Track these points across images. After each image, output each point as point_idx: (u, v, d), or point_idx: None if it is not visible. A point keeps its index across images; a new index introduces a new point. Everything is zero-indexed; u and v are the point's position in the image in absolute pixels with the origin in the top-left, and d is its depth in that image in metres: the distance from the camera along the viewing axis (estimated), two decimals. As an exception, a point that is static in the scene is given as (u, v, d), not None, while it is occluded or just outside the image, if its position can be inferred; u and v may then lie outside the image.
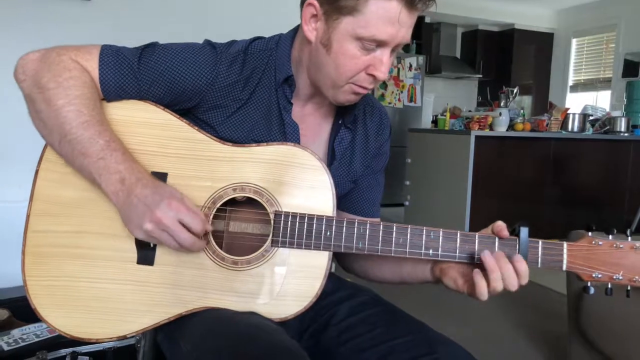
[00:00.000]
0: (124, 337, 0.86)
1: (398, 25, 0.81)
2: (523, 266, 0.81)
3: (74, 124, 0.81)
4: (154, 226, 0.78)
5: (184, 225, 0.79)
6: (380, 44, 0.83)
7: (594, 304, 1.69)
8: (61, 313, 0.85)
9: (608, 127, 4.44)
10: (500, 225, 0.85)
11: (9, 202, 1.83)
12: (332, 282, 1.03)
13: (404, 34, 0.83)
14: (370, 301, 0.97)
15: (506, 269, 0.81)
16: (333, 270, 1.09)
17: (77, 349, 1.50)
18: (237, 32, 1.14)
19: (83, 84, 0.84)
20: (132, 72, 0.87)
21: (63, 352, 1.50)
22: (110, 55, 0.87)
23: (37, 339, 1.56)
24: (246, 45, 0.93)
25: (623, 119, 4.44)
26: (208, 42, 0.92)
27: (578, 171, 4.29)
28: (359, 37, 0.82)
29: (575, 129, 4.30)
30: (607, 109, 5.12)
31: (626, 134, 4.42)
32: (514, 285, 0.81)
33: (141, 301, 0.85)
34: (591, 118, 4.53)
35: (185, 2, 2.46)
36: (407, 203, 4.47)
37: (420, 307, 2.64)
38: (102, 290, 0.86)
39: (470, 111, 4.68)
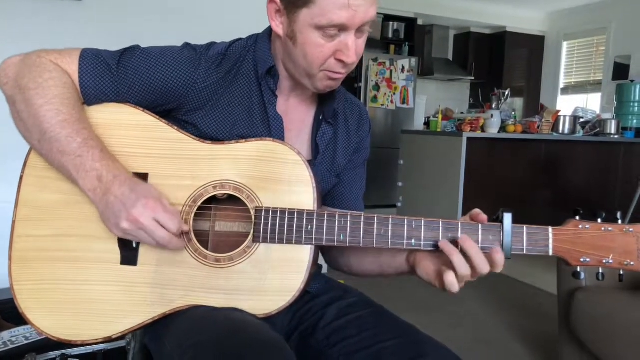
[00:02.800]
0: (110, 339, 0.86)
1: (352, 9, 0.81)
2: (471, 248, 0.80)
3: (52, 122, 0.82)
4: (130, 225, 0.78)
5: (161, 225, 0.79)
6: (341, 28, 0.83)
7: (584, 305, 1.70)
8: (47, 316, 0.86)
9: (598, 129, 4.48)
10: (477, 211, 0.85)
11: (-2, 203, 1.81)
12: (321, 283, 1.03)
13: (363, 14, 0.83)
14: (359, 303, 0.98)
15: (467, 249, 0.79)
16: (325, 271, 1.09)
17: (67, 351, 1.49)
18: (228, 31, 1.14)
19: (63, 84, 0.85)
20: (111, 76, 0.88)
21: (52, 354, 1.49)
22: (90, 59, 0.88)
23: (26, 342, 1.55)
24: (226, 47, 0.94)
25: (613, 122, 4.48)
26: (187, 45, 0.93)
27: (569, 173, 4.32)
28: (319, 26, 0.82)
29: (566, 131, 4.33)
30: (598, 112, 5.16)
31: (616, 136, 4.46)
32: (483, 265, 0.79)
33: (125, 302, 0.86)
34: (582, 120, 4.56)
35: (175, 2, 2.45)
36: (399, 204, 4.48)
37: (412, 308, 2.65)
38: (86, 292, 0.86)
39: (462, 113, 4.70)
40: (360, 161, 1.07)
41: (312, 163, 0.97)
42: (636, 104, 4.84)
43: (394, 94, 5.80)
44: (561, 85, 6.90)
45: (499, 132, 4.06)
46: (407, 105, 5.88)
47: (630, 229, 0.81)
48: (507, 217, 0.82)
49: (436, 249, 0.84)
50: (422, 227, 0.84)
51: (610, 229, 0.81)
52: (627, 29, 5.98)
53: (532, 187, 4.20)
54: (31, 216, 0.87)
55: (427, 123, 4.60)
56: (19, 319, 0.87)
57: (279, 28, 0.88)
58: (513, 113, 4.37)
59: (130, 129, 0.89)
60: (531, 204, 4.13)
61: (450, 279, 0.81)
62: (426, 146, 4.22)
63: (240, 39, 0.97)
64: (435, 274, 0.85)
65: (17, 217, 0.88)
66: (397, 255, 0.93)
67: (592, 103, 6.39)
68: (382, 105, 5.76)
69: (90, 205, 0.84)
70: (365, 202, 1.10)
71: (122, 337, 0.87)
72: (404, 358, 0.83)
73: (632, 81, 5.19)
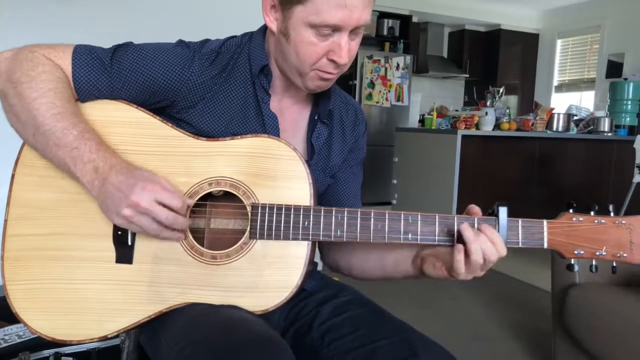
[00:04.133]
0: (105, 338, 0.86)
1: (347, 9, 0.80)
2: (494, 234, 0.81)
3: (47, 116, 0.81)
4: (132, 211, 0.77)
5: (163, 205, 0.78)
6: (335, 28, 0.83)
7: (577, 301, 1.71)
8: (42, 316, 0.85)
9: (592, 127, 4.51)
10: (473, 207, 0.85)
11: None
12: (317, 280, 1.03)
13: (359, 15, 0.82)
14: (355, 301, 0.97)
15: (484, 240, 0.80)
16: (320, 269, 1.09)
17: (61, 349, 1.48)
18: (223, 29, 1.13)
19: (56, 78, 0.84)
20: (104, 72, 0.87)
21: (46, 352, 1.48)
22: (83, 55, 0.87)
23: (19, 340, 1.54)
24: (220, 44, 0.94)
25: (606, 119, 4.51)
26: (181, 42, 0.93)
27: (563, 170, 4.35)
28: (313, 25, 0.82)
29: (560, 129, 4.36)
30: (591, 109, 5.19)
31: (609, 134, 4.49)
32: (493, 255, 0.80)
33: (121, 300, 0.85)
34: (575, 118, 4.59)
35: (167, 1, 2.44)
36: (394, 202, 4.49)
37: (406, 305, 2.66)
38: (82, 291, 0.85)
39: (456, 110, 4.71)
40: (356, 160, 1.07)
41: (308, 164, 0.96)
42: (629, 102, 4.87)
43: (389, 91, 5.81)
44: (555, 83, 6.93)
45: (493, 129, 4.08)
46: (402, 102, 5.88)
47: (623, 222, 0.82)
48: (503, 211, 0.83)
49: (434, 243, 0.84)
50: (419, 221, 0.84)
51: (603, 221, 0.83)
52: (621, 27, 6.00)
53: (526, 185, 4.22)
54: (24, 215, 0.86)
55: (421, 120, 4.61)
56: (12, 317, 0.86)
57: (272, 24, 0.88)
58: (507, 111, 4.39)
59: (124, 126, 0.88)
60: (525, 201, 4.15)
61: (459, 263, 0.80)
62: (421, 144, 4.23)
63: (235, 36, 0.97)
64: (442, 264, 0.85)
65: (9, 216, 0.86)
66: (401, 258, 0.93)
67: (585, 101, 6.42)
68: (377, 102, 5.76)
69: (84, 203, 0.84)
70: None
71: (117, 336, 0.87)
72: (398, 357, 0.83)
73: (625, 79, 5.22)
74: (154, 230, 0.80)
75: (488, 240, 0.81)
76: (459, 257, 0.81)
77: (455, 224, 0.84)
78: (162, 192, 0.78)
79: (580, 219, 0.83)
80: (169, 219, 0.79)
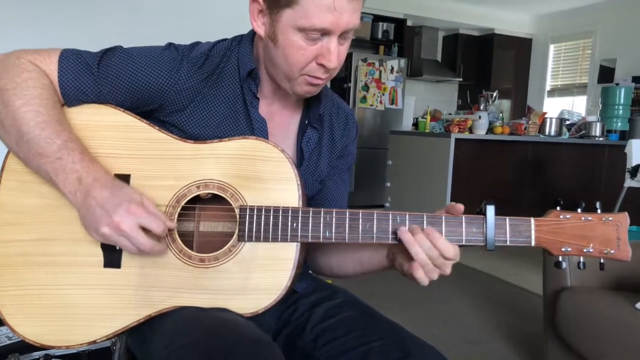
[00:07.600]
0: (94, 342, 0.85)
1: (337, 12, 0.80)
2: (435, 236, 0.80)
3: (31, 124, 0.80)
4: (111, 231, 0.77)
5: (144, 229, 0.78)
6: (324, 32, 0.82)
7: (569, 305, 1.72)
8: (30, 322, 0.84)
9: (584, 131, 4.55)
10: (451, 204, 0.84)
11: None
12: (309, 283, 1.03)
13: (348, 19, 0.82)
14: (347, 303, 0.97)
15: (423, 242, 0.80)
16: (311, 271, 1.09)
17: (51, 351, 1.47)
18: (214, 31, 1.13)
19: (42, 85, 0.83)
20: (91, 76, 0.86)
21: (36, 354, 1.46)
22: (69, 59, 0.86)
23: (9, 342, 1.52)
24: (209, 48, 0.93)
25: (598, 124, 4.55)
26: (170, 45, 0.92)
27: (555, 174, 4.38)
28: (301, 28, 0.81)
29: (552, 133, 4.39)
30: (583, 114, 5.24)
31: (601, 139, 4.52)
32: (435, 258, 0.80)
33: (110, 305, 0.84)
34: (567, 122, 4.63)
35: (161, 2, 2.43)
36: (387, 204, 4.50)
37: (399, 307, 2.66)
38: (70, 296, 0.84)
39: (450, 114, 4.74)
40: (345, 167, 1.06)
41: (298, 169, 0.96)
42: (621, 107, 4.91)
43: (383, 94, 5.82)
44: (548, 88, 6.97)
45: (486, 133, 4.10)
46: (396, 105, 5.90)
47: (610, 218, 0.82)
48: (490, 209, 0.83)
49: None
50: (407, 221, 0.84)
51: (589, 218, 0.82)
52: (613, 33, 6.06)
53: (518, 188, 4.25)
54: (11, 221, 0.85)
55: (415, 124, 4.62)
56: (1, 320, 0.85)
57: (260, 29, 0.87)
58: (500, 115, 4.42)
59: (111, 130, 0.88)
60: (518, 205, 4.17)
61: (419, 275, 0.82)
62: (414, 147, 4.25)
63: (225, 39, 0.96)
64: (409, 266, 0.85)
65: None
66: (378, 252, 0.93)
67: (577, 105, 6.46)
68: (371, 105, 5.77)
69: (72, 209, 0.83)
70: (353, 202, 1.09)
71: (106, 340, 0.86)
72: (391, 358, 0.83)
73: (617, 84, 5.27)
74: (131, 251, 0.80)
75: (429, 243, 0.80)
76: (419, 274, 0.81)
77: (443, 223, 0.83)
78: (146, 216, 0.78)
79: (568, 216, 0.83)
80: (146, 246, 0.78)
